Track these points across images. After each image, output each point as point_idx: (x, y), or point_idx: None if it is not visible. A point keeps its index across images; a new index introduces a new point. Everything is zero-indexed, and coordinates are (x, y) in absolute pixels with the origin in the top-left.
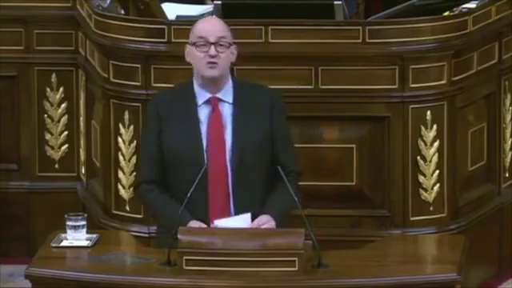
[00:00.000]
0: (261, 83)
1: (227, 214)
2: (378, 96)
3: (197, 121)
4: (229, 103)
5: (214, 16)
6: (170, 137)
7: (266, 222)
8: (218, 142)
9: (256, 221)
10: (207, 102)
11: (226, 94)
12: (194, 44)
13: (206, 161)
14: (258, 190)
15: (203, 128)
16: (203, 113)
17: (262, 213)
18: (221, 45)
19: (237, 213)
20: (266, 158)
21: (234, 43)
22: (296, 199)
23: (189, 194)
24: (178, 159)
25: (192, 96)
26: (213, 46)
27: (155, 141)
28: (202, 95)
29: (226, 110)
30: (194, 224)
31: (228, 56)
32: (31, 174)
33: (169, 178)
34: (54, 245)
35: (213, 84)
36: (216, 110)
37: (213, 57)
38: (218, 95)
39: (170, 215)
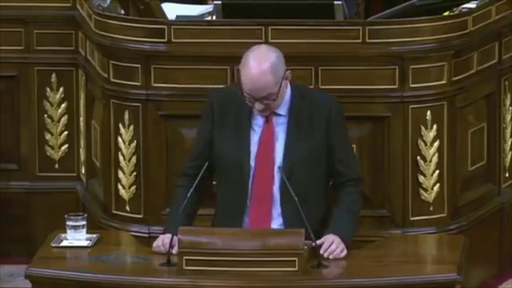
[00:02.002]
0: (319, 89)
1: (268, 224)
2: (377, 96)
3: (249, 128)
4: (283, 116)
5: (258, 63)
6: (219, 138)
7: (335, 246)
8: (268, 152)
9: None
10: None
11: (282, 107)
12: (242, 90)
13: (252, 168)
14: (310, 200)
15: (255, 136)
16: (256, 122)
17: (328, 231)
18: (267, 98)
19: (284, 224)
20: (319, 168)
21: (286, 70)
22: (296, 199)
23: (189, 194)
24: (224, 160)
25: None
26: (257, 103)
27: (206, 138)
28: None
29: (280, 122)
30: (164, 236)
31: (280, 95)
32: (31, 174)
33: (215, 176)
34: (53, 245)
35: None
36: (270, 121)
37: (260, 111)
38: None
39: (168, 217)
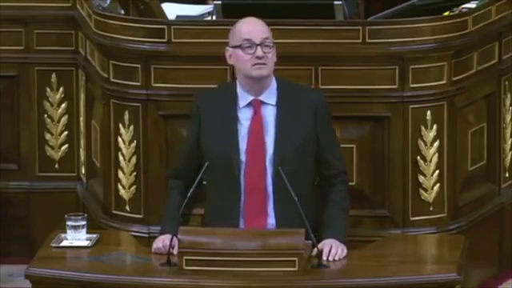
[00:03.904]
0: (304, 83)
1: (264, 217)
2: (377, 96)
3: (236, 122)
4: (272, 105)
5: (253, 17)
6: (208, 137)
7: (335, 249)
8: (258, 145)
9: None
10: (249, 104)
11: (269, 96)
12: (239, 47)
13: (243, 162)
14: (301, 193)
15: (243, 130)
16: (244, 115)
17: (326, 235)
18: (266, 45)
19: (277, 216)
20: (309, 161)
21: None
22: (295, 198)
23: (189, 194)
24: (214, 159)
25: (234, 98)
26: (259, 47)
27: (192, 140)
28: (244, 97)
29: (269, 112)
30: (163, 237)
31: (273, 56)
32: (31, 174)
33: (207, 176)
34: (53, 245)
35: (258, 85)
36: (258, 112)
37: (260, 58)
38: (261, 98)
39: (164, 218)
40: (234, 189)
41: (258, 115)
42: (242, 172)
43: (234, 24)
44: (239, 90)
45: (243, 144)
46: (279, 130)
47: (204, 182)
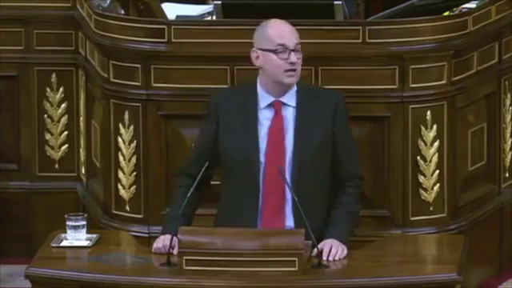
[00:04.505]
0: (323, 86)
1: (281, 218)
2: (377, 96)
3: (256, 123)
4: (292, 107)
5: (282, 20)
6: (226, 136)
7: (335, 249)
8: (278, 145)
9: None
10: (270, 105)
11: (290, 97)
12: (272, 51)
13: (262, 163)
14: (319, 194)
15: (263, 130)
16: (265, 115)
17: (328, 234)
18: (297, 51)
19: (295, 217)
20: (327, 162)
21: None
22: (296, 199)
23: (189, 194)
24: (233, 159)
25: (254, 98)
26: (292, 53)
27: (207, 139)
28: (265, 98)
29: (289, 114)
30: (164, 237)
31: (301, 61)
32: (31, 174)
33: (224, 176)
34: (54, 245)
35: (282, 89)
36: (279, 113)
37: (294, 64)
38: (282, 99)
39: (167, 217)
40: (252, 189)
41: (278, 116)
42: (262, 173)
43: (261, 24)
44: (260, 90)
45: (263, 145)
46: (299, 132)
47: (215, 182)
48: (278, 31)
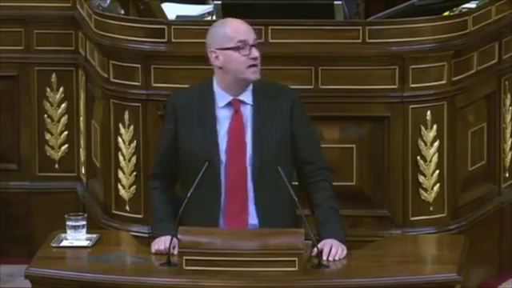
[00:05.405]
0: (280, 82)
1: (244, 217)
2: (377, 96)
3: (215, 122)
4: (250, 105)
5: (233, 18)
6: (185, 137)
7: (335, 249)
8: (238, 143)
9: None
10: (228, 104)
11: (247, 95)
12: (233, 49)
13: (223, 162)
14: (282, 192)
15: (222, 129)
16: (223, 114)
17: (325, 235)
18: (255, 46)
19: (259, 216)
20: (287, 159)
21: None
22: (296, 199)
23: (189, 194)
24: (193, 159)
25: (212, 97)
26: (253, 48)
27: (169, 140)
28: (222, 97)
29: (247, 112)
30: (159, 241)
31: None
32: (31, 174)
33: (183, 177)
34: (54, 245)
35: (240, 87)
36: (238, 112)
37: (256, 59)
38: (240, 97)
39: (156, 218)
40: (213, 189)
41: (238, 115)
42: (223, 172)
43: (214, 25)
44: (217, 89)
45: (223, 144)
46: (257, 130)
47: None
48: (236, 28)
